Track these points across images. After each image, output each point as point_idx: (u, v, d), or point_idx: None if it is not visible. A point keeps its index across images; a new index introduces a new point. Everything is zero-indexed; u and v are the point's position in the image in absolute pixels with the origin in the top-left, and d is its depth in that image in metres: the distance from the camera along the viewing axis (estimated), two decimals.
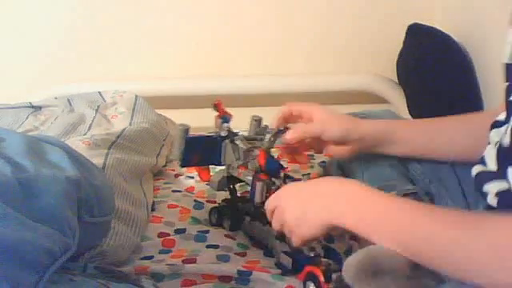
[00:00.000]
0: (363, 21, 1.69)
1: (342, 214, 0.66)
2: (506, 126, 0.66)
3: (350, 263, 0.65)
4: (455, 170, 0.89)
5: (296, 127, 0.88)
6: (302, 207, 0.72)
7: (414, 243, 0.60)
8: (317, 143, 0.91)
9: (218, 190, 0.95)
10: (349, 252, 0.84)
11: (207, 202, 1.03)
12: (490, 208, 0.68)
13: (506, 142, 0.64)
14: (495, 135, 0.69)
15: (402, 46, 1.57)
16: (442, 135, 0.88)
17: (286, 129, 0.90)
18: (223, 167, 0.93)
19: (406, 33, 1.55)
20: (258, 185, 0.82)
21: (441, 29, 1.48)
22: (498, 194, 0.64)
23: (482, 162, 0.70)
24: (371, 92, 1.65)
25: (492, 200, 0.65)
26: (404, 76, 1.60)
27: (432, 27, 1.50)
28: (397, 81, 1.63)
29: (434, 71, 1.45)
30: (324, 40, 1.70)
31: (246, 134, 0.95)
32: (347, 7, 1.69)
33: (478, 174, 0.70)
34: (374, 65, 1.69)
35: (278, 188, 0.80)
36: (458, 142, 0.85)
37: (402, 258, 0.65)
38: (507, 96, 0.68)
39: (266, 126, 0.94)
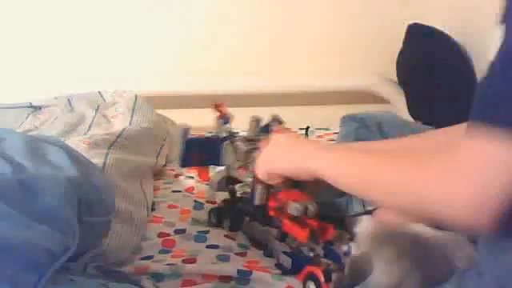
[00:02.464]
0: (363, 21, 1.69)
1: (315, 164, 0.72)
2: None
3: (363, 229, 0.72)
4: None
5: None
6: (289, 147, 0.79)
7: (363, 177, 0.66)
8: None
9: (218, 191, 0.95)
10: (348, 253, 0.84)
11: (207, 202, 1.03)
12: None
13: None
14: None
15: (402, 46, 1.57)
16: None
17: (279, 122, 0.91)
18: (223, 168, 0.93)
19: (406, 33, 1.55)
20: (258, 188, 0.82)
21: (441, 29, 1.48)
22: None
23: None
24: (371, 92, 1.65)
25: None
26: (404, 76, 1.60)
27: (432, 27, 1.50)
28: (397, 81, 1.63)
29: (434, 71, 1.45)
30: (324, 40, 1.70)
31: (246, 133, 0.95)
32: (347, 7, 1.69)
33: None
34: (374, 65, 1.68)
35: (278, 190, 0.80)
36: None
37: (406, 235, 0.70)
38: None
39: (268, 125, 0.93)
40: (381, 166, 0.65)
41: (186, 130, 0.92)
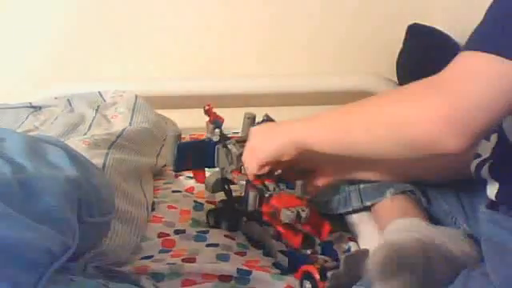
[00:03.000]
0: (363, 21, 1.69)
1: (300, 131, 0.75)
2: None
3: (376, 261, 0.67)
4: None
5: None
6: (270, 129, 0.81)
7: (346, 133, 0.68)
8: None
9: (213, 193, 0.95)
10: (348, 252, 0.85)
11: (207, 202, 1.03)
12: (490, 208, 0.68)
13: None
14: None
15: (401, 46, 1.57)
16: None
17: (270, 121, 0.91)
18: (217, 169, 0.93)
19: (406, 33, 1.55)
20: (251, 194, 0.82)
21: (441, 29, 1.48)
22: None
23: (478, 155, 0.71)
24: (371, 92, 1.65)
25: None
26: (404, 76, 1.60)
27: (432, 27, 1.50)
28: (397, 81, 1.63)
29: (434, 71, 1.45)
30: (324, 40, 1.70)
31: (239, 133, 0.95)
32: (347, 7, 1.68)
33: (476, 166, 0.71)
34: (374, 65, 1.68)
35: (272, 194, 0.80)
36: (432, 165, 0.82)
37: (417, 251, 0.68)
38: None
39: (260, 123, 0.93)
40: (363, 106, 0.66)
41: (178, 136, 0.91)
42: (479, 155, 0.70)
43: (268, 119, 0.93)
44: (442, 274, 0.69)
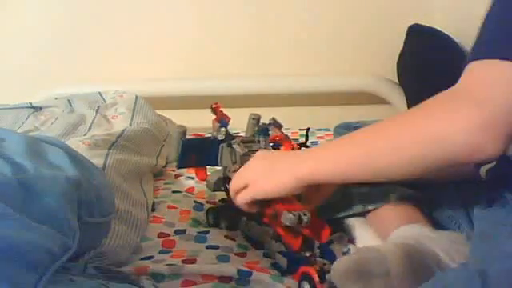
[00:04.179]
0: (364, 21, 1.69)
1: (307, 166, 0.70)
2: None
3: (337, 267, 0.69)
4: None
5: None
6: (270, 164, 0.74)
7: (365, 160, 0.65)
8: None
9: (214, 191, 0.95)
10: (347, 254, 0.84)
11: (207, 202, 1.03)
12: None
13: None
14: None
15: (402, 46, 1.57)
16: None
17: (277, 126, 0.91)
18: (220, 168, 0.93)
19: (407, 33, 1.55)
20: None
21: (441, 29, 1.48)
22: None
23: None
24: (371, 93, 1.65)
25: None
26: (404, 77, 1.60)
27: (432, 28, 1.50)
28: (397, 81, 1.63)
29: (435, 72, 1.45)
30: (325, 40, 1.70)
31: (244, 134, 0.95)
32: (348, 8, 1.68)
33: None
34: (375, 65, 1.68)
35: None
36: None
37: (391, 262, 0.68)
38: None
39: (266, 128, 0.93)
40: (384, 129, 0.63)
41: (183, 133, 0.91)
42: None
43: (274, 122, 0.92)
44: (417, 281, 0.67)
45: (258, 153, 0.80)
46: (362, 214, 0.91)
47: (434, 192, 0.88)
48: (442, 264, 0.72)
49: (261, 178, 0.74)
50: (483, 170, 0.71)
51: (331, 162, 0.68)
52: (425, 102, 0.61)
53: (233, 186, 0.79)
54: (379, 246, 0.75)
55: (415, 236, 0.76)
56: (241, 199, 0.77)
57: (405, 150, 0.60)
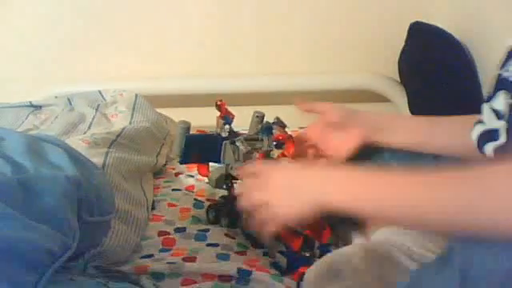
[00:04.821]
0: (365, 19, 1.69)
1: (332, 192, 0.64)
2: None
3: (309, 270, 0.70)
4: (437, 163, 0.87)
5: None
6: (291, 181, 0.68)
7: (415, 210, 0.57)
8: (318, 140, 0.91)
9: (216, 188, 0.95)
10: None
11: (207, 200, 1.03)
12: None
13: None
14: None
15: (403, 44, 1.57)
16: (443, 128, 0.87)
17: (281, 126, 0.90)
18: (222, 165, 0.93)
19: (408, 31, 1.55)
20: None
21: (443, 27, 1.48)
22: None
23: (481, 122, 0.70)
24: (373, 91, 1.65)
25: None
26: (405, 75, 1.60)
27: (434, 26, 1.50)
28: (398, 79, 1.62)
29: (436, 70, 1.45)
30: (325, 38, 1.70)
31: (247, 132, 0.94)
32: (349, 6, 1.68)
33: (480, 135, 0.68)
34: (376, 63, 1.68)
35: None
36: (457, 137, 0.83)
37: (362, 261, 0.71)
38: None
39: (269, 127, 0.92)
40: (469, 194, 0.54)
41: (187, 128, 0.92)
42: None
43: (278, 122, 0.92)
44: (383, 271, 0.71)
45: (278, 168, 0.74)
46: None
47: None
48: (415, 254, 0.74)
49: (281, 200, 0.69)
50: (490, 147, 0.70)
51: (374, 197, 0.60)
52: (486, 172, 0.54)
53: (249, 199, 0.73)
54: (343, 250, 0.76)
55: (387, 235, 0.78)
56: (263, 226, 0.73)
57: (474, 221, 0.53)
